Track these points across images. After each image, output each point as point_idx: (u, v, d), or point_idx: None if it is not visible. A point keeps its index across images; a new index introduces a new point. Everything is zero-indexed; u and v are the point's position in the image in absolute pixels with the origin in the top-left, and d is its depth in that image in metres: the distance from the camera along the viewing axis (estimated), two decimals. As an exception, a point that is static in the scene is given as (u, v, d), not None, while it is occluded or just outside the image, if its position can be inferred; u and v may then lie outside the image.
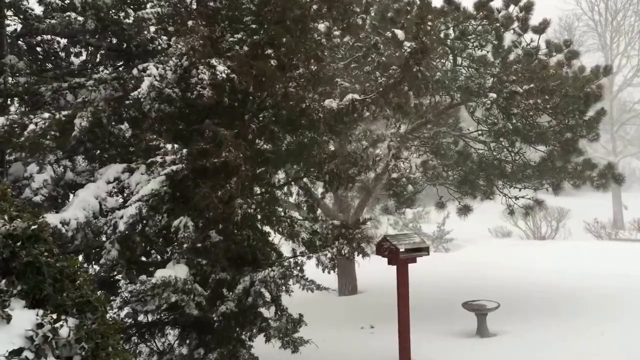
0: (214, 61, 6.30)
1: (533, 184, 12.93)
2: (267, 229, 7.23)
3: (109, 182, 7.01)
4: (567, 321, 10.85)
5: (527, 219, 24.59)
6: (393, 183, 13.13)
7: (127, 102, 6.89)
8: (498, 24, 11.27)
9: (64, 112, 6.38)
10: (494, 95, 11.05)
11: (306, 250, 7.03)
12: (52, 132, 6.14)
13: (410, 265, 8.92)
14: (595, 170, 12.11)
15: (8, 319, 2.70)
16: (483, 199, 13.33)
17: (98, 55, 8.08)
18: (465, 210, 13.71)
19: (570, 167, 12.11)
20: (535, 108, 11.41)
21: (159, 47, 7.39)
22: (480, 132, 12.74)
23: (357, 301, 14.43)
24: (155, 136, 6.37)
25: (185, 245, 6.11)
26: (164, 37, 7.43)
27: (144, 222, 6.36)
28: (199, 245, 6.27)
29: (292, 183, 7.75)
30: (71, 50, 8.06)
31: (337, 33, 7.64)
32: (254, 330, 6.81)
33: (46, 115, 6.30)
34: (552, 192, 12.82)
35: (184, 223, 6.09)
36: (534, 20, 11.46)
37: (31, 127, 6.08)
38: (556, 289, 13.81)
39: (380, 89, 6.89)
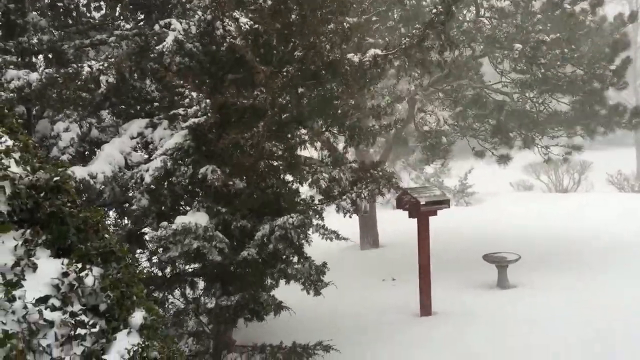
0: (236, 14, 6.27)
1: (567, 132, 12.93)
2: (289, 178, 7.23)
3: (132, 138, 7.13)
4: (587, 274, 10.84)
5: (549, 172, 24.40)
6: (427, 135, 13.15)
7: (151, 55, 6.93)
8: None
9: (90, 68, 6.44)
10: (520, 46, 10.85)
11: (324, 198, 7.03)
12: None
13: (431, 219, 8.95)
14: (625, 115, 12.07)
15: (34, 267, 2.73)
16: (522, 148, 13.37)
17: (117, 9, 8.08)
18: (504, 159, 13.72)
19: (602, 113, 12.03)
20: (562, 58, 11.18)
21: None
22: (503, 84, 12.56)
23: (378, 254, 14.58)
24: (181, 81, 6.41)
25: (214, 187, 6.17)
26: None
27: (170, 174, 6.46)
28: (223, 190, 6.32)
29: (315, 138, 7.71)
30: (91, 4, 8.07)
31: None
32: (275, 275, 6.84)
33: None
34: (587, 138, 12.87)
35: (211, 170, 6.19)
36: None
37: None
38: (577, 242, 13.76)
39: (403, 46, 6.77)
